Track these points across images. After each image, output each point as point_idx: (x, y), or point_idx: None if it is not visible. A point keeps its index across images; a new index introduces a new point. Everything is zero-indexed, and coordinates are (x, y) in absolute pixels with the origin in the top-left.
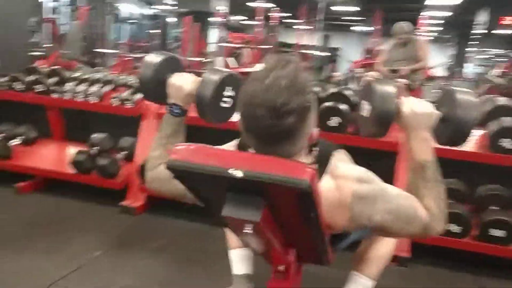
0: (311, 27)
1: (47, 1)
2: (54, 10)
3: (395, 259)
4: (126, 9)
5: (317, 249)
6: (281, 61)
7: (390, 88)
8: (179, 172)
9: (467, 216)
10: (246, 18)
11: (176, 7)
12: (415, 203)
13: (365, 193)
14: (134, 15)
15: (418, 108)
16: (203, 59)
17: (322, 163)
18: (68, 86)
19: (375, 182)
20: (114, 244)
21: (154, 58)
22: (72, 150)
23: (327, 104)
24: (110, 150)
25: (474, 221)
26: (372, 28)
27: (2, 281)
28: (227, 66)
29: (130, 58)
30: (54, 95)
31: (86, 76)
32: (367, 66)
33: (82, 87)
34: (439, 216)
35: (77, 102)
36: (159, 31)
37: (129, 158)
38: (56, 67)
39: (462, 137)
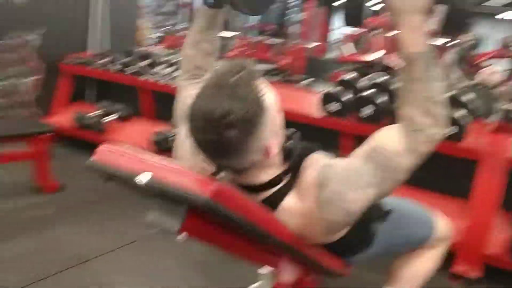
0: None
1: None
2: None
3: (461, 279)
4: None
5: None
6: (233, 68)
7: None
8: (100, 174)
9: None
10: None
11: None
12: (386, 146)
13: (329, 196)
14: None
15: None
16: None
17: (294, 173)
18: (157, 69)
19: (336, 174)
20: None
21: None
22: (157, 130)
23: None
24: None
25: None
26: None
27: (62, 243)
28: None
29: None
30: (144, 77)
31: (176, 60)
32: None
33: (168, 70)
34: (426, 124)
35: (158, 84)
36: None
37: None
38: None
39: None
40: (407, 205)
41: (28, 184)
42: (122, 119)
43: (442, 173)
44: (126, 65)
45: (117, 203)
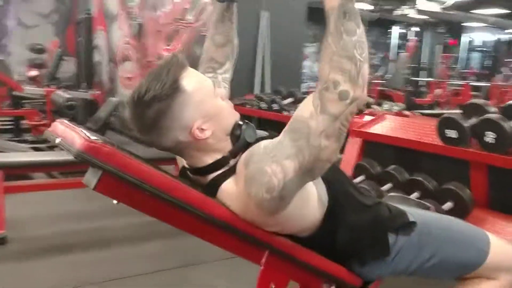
0: None
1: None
2: (400, 46)
3: None
4: (479, 37)
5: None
6: (167, 59)
7: None
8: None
9: None
10: None
11: None
12: (300, 113)
13: (252, 171)
14: (488, 42)
15: None
16: None
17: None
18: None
19: (259, 149)
20: None
21: None
22: None
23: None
24: None
25: None
26: None
27: (185, 248)
28: None
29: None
30: (285, 113)
31: None
32: None
33: None
34: (335, 81)
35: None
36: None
37: None
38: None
39: None
40: (450, 223)
41: None
42: None
43: None
44: (271, 103)
45: None
